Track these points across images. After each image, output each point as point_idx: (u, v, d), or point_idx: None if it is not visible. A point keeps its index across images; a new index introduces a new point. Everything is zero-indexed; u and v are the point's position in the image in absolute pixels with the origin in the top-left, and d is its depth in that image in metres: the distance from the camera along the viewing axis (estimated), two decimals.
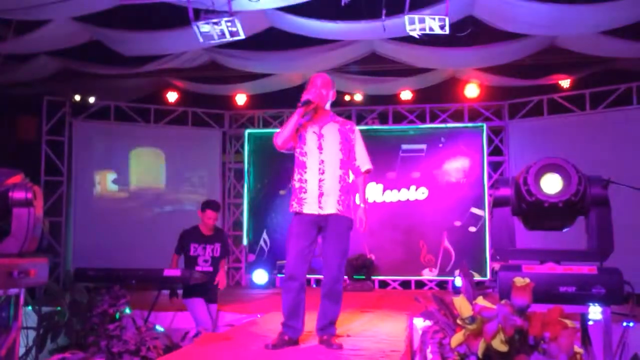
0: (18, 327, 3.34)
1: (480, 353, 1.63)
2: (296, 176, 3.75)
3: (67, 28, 6.40)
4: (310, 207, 3.66)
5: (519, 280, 1.67)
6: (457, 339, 1.70)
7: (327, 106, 3.86)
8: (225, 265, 5.75)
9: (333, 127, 3.79)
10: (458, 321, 1.71)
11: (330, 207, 3.65)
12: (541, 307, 1.77)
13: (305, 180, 3.70)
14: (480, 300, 1.66)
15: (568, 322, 1.64)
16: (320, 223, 3.68)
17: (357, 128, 3.92)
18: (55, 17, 6.12)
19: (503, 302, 1.67)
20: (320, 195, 3.65)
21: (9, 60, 7.40)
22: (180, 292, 5.53)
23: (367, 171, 3.85)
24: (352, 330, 4.27)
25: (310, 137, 3.75)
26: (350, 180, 3.81)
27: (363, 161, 3.83)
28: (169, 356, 3.65)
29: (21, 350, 4.61)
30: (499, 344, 1.59)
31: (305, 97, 3.71)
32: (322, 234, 3.71)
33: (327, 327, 3.69)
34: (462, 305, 1.69)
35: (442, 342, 2.11)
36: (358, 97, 9.27)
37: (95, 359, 3.17)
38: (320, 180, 3.66)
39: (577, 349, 1.63)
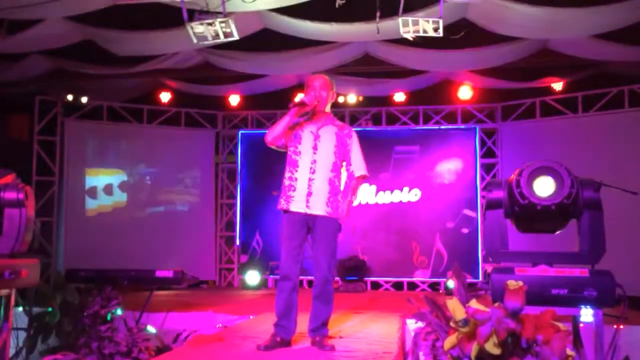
0: (9, 328, 3.32)
1: (473, 356, 1.63)
2: (287, 174, 3.76)
3: (59, 27, 6.36)
4: (297, 205, 3.67)
5: (512, 283, 1.67)
6: (450, 341, 1.70)
7: (328, 108, 3.87)
8: None
9: (331, 129, 3.80)
10: (451, 324, 1.72)
11: (319, 208, 3.66)
12: (533, 310, 1.77)
13: (295, 179, 3.70)
14: (474, 303, 1.66)
15: (560, 325, 1.65)
16: (308, 223, 3.69)
17: (355, 134, 3.89)
18: (48, 16, 6.09)
19: (496, 305, 1.67)
20: (309, 194, 3.66)
21: (1, 59, 7.35)
22: None
23: (362, 177, 3.82)
24: (344, 332, 4.28)
25: (307, 136, 3.76)
26: (340, 184, 3.80)
27: (358, 167, 3.81)
28: (161, 357, 3.64)
29: (11, 352, 4.57)
30: (492, 347, 1.60)
31: (301, 98, 3.73)
32: (311, 235, 3.72)
33: (319, 329, 3.69)
34: (455, 307, 1.70)
35: (435, 344, 2.11)
36: (351, 99, 9.27)
37: None
38: (310, 180, 3.67)
39: (569, 351, 1.64)
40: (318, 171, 3.69)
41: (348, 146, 3.80)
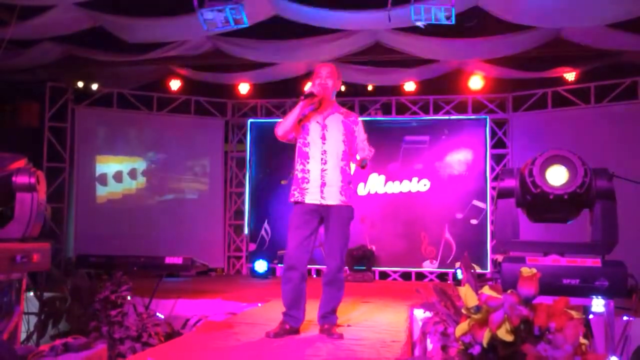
0: (20, 312, 3.35)
1: (485, 342, 1.62)
2: (298, 166, 3.77)
3: (70, 14, 6.36)
4: (312, 197, 3.69)
5: (526, 270, 1.66)
6: (462, 328, 1.69)
7: (332, 97, 3.88)
8: None
9: (337, 118, 3.81)
10: (463, 310, 1.71)
11: (333, 197, 3.68)
12: (544, 300, 1.76)
13: (308, 170, 3.72)
14: (486, 290, 1.66)
15: (574, 313, 1.64)
16: (322, 213, 3.71)
17: (361, 120, 3.94)
18: (58, 3, 6.08)
19: (509, 291, 1.66)
20: (323, 185, 3.68)
21: (12, 45, 7.36)
22: None
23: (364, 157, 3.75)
24: (352, 320, 4.29)
25: (314, 127, 3.77)
26: (351, 171, 3.83)
27: (362, 153, 3.76)
28: (170, 343, 3.66)
29: (22, 336, 4.62)
30: (504, 334, 1.59)
31: (309, 89, 3.74)
32: (325, 224, 3.74)
33: (328, 315, 3.71)
34: (467, 294, 1.69)
35: (446, 332, 2.11)
36: (361, 88, 9.22)
37: (97, 345, 3.18)
38: (322, 170, 3.69)
39: (583, 340, 1.63)
40: (329, 161, 3.70)
41: (355, 133, 3.82)
